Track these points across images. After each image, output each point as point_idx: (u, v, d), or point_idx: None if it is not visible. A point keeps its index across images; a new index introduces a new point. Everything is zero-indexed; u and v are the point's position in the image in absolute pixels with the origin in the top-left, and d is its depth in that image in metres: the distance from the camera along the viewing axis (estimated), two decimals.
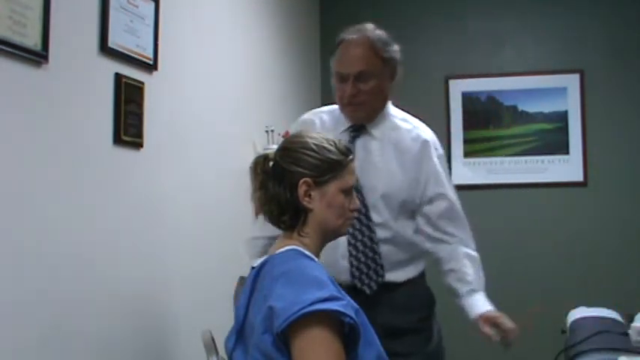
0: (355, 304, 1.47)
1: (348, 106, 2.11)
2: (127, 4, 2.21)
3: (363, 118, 2.14)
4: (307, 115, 2.27)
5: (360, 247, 2.07)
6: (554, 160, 4.04)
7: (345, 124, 2.16)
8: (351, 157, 1.59)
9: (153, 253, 2.32)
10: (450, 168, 4.12)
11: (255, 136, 3.19)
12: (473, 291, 2.15)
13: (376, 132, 2.16)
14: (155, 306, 2.34)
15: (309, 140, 1.56)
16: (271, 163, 1.60)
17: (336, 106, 2.20)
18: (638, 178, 3.93)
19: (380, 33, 2.22)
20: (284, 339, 1.40)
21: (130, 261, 2.19)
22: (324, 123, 2.19)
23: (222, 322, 1.80)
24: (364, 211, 2.07)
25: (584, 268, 3.91)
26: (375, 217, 2.08)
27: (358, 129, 2.16)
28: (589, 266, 3.90)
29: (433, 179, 2.16)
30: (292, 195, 1.54)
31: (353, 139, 2.13)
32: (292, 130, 2.13)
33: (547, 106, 4.07)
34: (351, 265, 2.06)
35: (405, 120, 2.21)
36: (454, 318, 3.83)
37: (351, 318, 1.39)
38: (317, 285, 1.42)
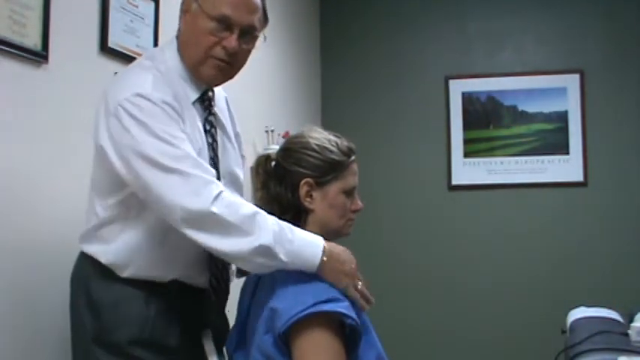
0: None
1: (219, 62, 1.60)
2: (127, 4, 2.21)
3: (217, 84, 1.70)
4: (160, 95, 1.52)
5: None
6: (554, 160, 4.03)
7: (192, 89, 1.63)
8: (353, 157, 1.59)
9: None
10: (449, 168, 4.14)
11: (255, 136, 3.18)
12: None
13: (215, 99, 1.72)
14: None
15: (311, 140, 1.56)
16: (273, 163, 1.60)
17: (154, 64, 1.60)
18: (638, 178, 3.93)
19: None
20: (285, 340, 1.40)
21: None
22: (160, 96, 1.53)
23: None
24: None
25: (584, 268, 3.90)
26: None
27: (209, 98, 1.69)
28: (589, 266, 3.90)
29: (241, 140, 1.86)
30: (293, 195, 1.54)
31: (209, 114, 1.68)
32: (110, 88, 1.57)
33: (547, 106, 4.07)
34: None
35: None
36: (461, 323, 3.81)
37: (353, 319, 1.39)
38: (318, 286, 1.43)
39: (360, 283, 1.49)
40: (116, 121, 1.49)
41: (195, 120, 1.61)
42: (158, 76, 1.56)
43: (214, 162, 1.64)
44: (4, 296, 1.71)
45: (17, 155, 1.77)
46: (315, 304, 1.38)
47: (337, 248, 1.48)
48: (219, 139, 1.68)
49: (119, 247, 1.59)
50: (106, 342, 1.56)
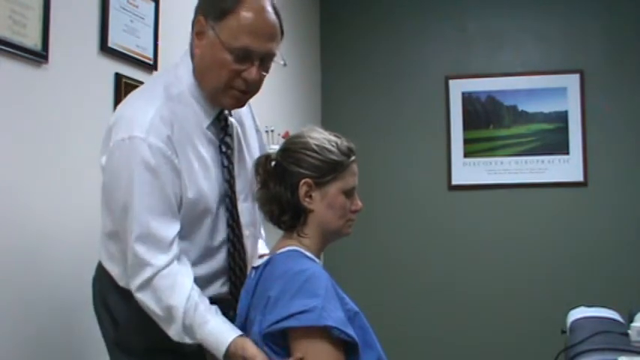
0: (355, 307, 1.48)
1: (239, 94, 1.58)
2: (127, 4, 2.21)
3: (236, 109, 1.69)
4: (152, 140, 1.49)
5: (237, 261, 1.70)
6: (554, 160, 4.03)
7: (206, 111, 1.61)
8: (352, 157, 1.59)
9: None
10: (449, 168, 4.14)
11: None
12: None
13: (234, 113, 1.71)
14: None
15: (311, 141, 1.56)
16: (273, 163, 1.60)
17: (160, 100, 1.55)
18: (638, 178, 3.93)
19: None
20: (273, 337, 1.42)
21: None
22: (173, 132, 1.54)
23: None
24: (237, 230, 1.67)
25: (584, 268, 3.90)
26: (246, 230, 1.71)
27: (224, 117, 1.66)
28: (589, 266, 3.90)
29: (261, 136, 1.86)
30: (293, 195, 1.54)
31: (225, 134, 1.65)
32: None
33: (547, 106, 4.07)
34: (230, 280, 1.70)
35: None
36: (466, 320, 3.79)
37: (344, 333, 1.39)
38: (310, 293, 1.42)
39: None
40: (109, 159, 1.54)
41: (199, 147, 1.59)
42: (162, 111, 1.53)
43: (230, 184, 1.64)
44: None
45: (17, 155, 1.77)
46: (303, 312, 1.38)
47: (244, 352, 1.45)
48: (236, 156, 1.67)
49: (124, 274, 1.59)
50: (125, 348, 1.62)
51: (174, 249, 1.51)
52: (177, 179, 1.52)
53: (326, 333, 1.38)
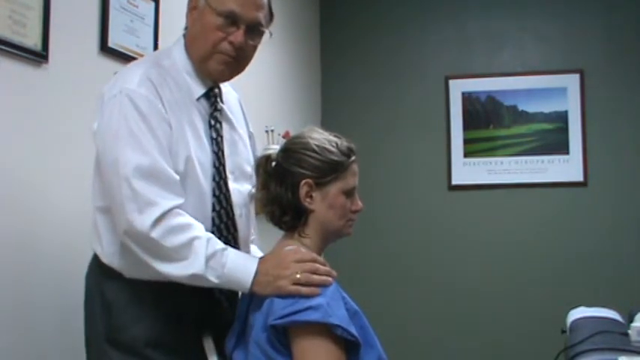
0: (354, 306, 1.48)
1: (225, 57, 1.62)
2: (127, 4, 2.22)
3: (225, 79, 1.72)
4: (143, 91, 1.54)
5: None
6: (554, 160, 4.03)
7: (198, 85, 1.66)
8: (353, 157, 1.59)
9: None
10: (449, 168, 4.14)
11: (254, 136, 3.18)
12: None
13: (223, 97, 1.74)
14: None
15: (311, 141, 1.57)
16: (273, 164, 1.60)
17: (149, 64, 1.63)
18: (638, 178, 3.93)
19: None
20: (280, 331, 1.41)
21: None
22: (165, 95, 1.58)
23: None
24: (229, 209, 1.66)
25: (584, 268, 3.90)
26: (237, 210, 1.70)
27: (215, 94, 1.70)
28: (589, 266, 3.90)
29: (254, 141, 1.89)
30: (294, 196, 1.54)
31: (215, 109, 1.69)
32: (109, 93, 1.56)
33: (547, 106, 4.07)
34: None
35: None
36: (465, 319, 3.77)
37: (345, 330, 1.39)
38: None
39: (297, 275, 1.43)
40: (102, 116, 1.56)
41: (192, 116, 1.62)
42: (150, 71, 1.58)
43: (218, 156, 1.65)
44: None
45: (17, 155, 1.77)
46: (308, 309, 1.38)
47: (269, 260, 1.50)
48: (226, 134, 1.69)
49: (110, 250, 1.59)
50: (118, 341, 1.56)
51: (182, 193, 1.52)
52: (169, 133, 1.54)
53: (329, 331, 1.38)
